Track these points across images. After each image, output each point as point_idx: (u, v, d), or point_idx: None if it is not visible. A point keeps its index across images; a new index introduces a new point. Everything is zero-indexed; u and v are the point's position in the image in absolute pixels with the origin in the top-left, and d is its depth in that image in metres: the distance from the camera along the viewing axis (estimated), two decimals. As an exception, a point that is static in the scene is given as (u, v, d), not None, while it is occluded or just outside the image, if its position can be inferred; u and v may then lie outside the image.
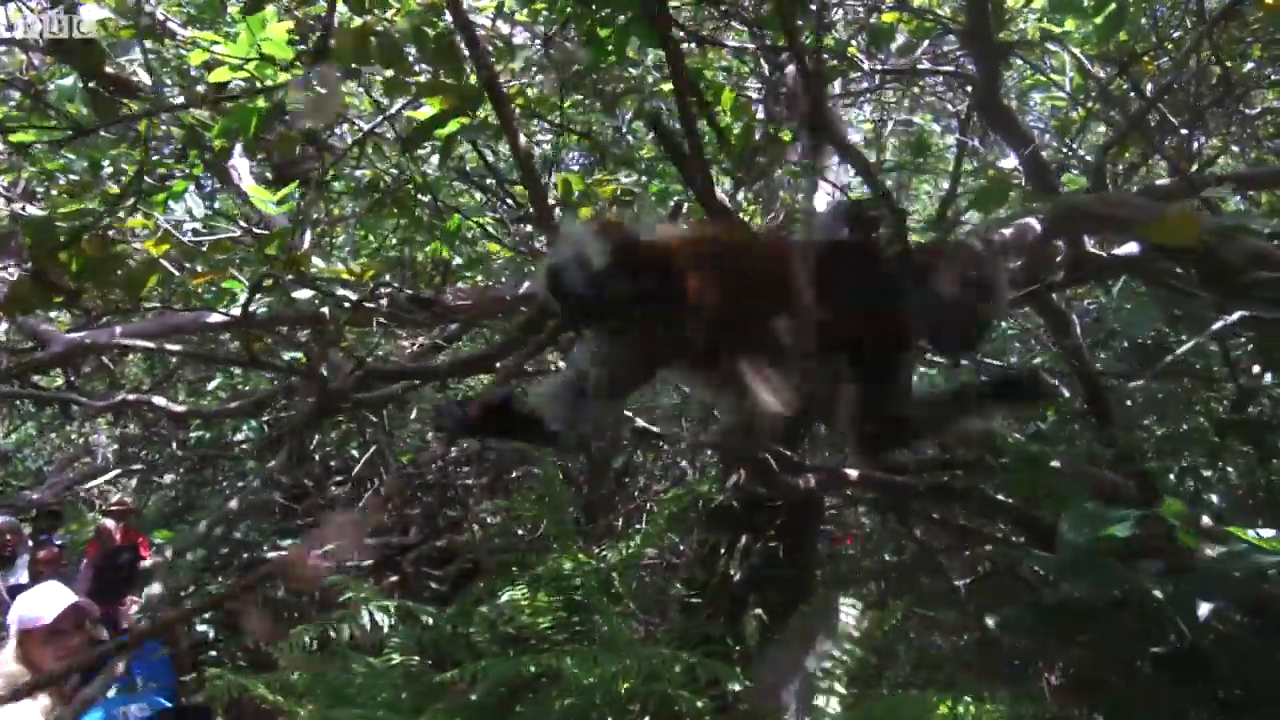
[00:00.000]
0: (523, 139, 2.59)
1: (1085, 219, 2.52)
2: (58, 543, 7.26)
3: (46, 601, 3.68)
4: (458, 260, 4.83)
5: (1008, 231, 2.62)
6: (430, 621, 5.26)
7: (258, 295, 3.37)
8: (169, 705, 2.06)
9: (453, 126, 2.60)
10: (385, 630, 5.31)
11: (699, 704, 4.39)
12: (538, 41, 3.51)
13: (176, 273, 2.65)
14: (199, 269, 2.70)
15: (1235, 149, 4.98)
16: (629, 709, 4.31)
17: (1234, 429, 2.75)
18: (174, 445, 9.06)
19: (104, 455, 11.56)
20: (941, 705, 3.68)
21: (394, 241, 4.16)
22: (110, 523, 7.37)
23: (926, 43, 3.97)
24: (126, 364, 8.23)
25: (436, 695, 4.60)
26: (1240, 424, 2.69)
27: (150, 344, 2.63)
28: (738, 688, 4.40)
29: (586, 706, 4.26)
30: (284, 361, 2.97)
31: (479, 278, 4.59)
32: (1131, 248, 3.93)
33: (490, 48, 3.84)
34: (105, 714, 2.11)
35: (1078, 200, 2.56)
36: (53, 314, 5.27)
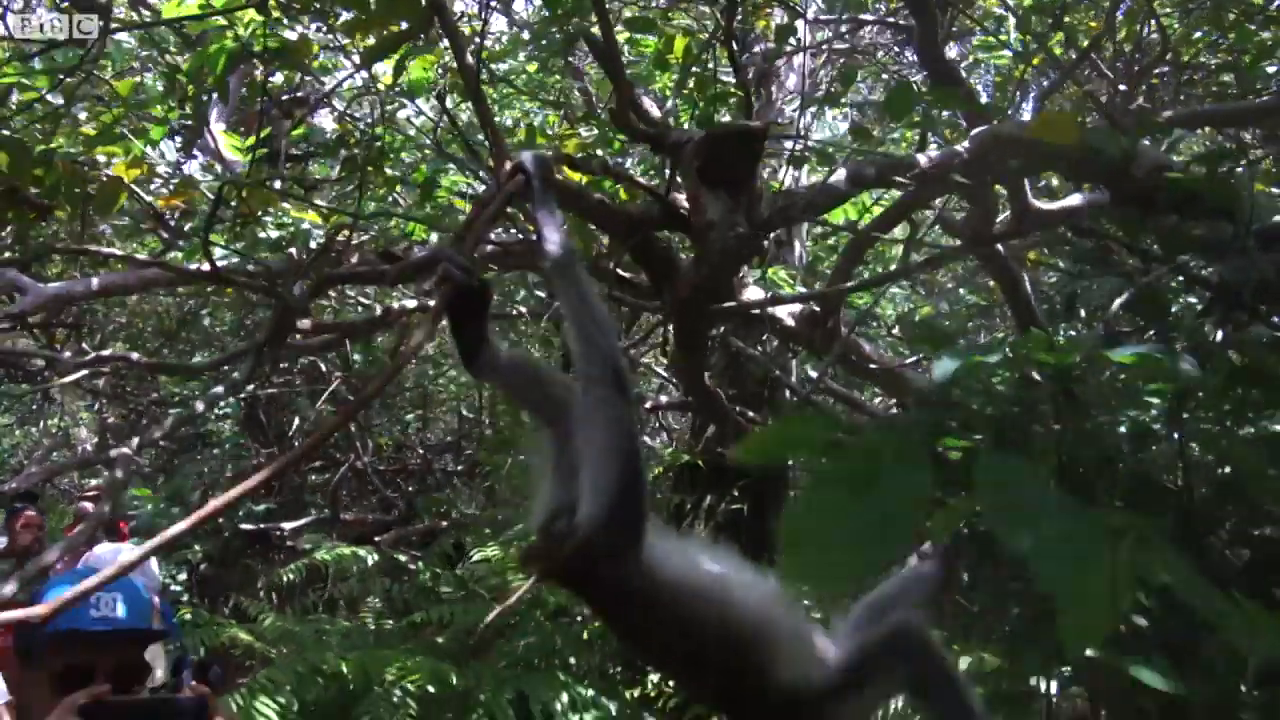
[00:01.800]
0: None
1: (1007, 144, 2.68)
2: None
3: None
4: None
5: (934, 153, 2.78)
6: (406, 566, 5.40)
7: (230, 241, 3.49)
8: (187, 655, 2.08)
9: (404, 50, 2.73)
10: (368, 568, 5.46)
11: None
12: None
13: (146, 196, 2.77)
14: (167, 191, 2.82)
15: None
16: (587, 647, 4.46)
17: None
18: (153, 428, 9.14)
19: (84, 447, 11.57)
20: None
21: (380, 194, 4.29)
22: (89, 505, 7.46)
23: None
24: (107, 340, 8.32)
25: (407, 638, 4.72)
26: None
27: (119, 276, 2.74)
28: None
29: (547, 647, 4.40)
30: (247, 276, 3.10)
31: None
32: (1073, 200, 4.11)
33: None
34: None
35: (1000, 128, 2.72)
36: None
